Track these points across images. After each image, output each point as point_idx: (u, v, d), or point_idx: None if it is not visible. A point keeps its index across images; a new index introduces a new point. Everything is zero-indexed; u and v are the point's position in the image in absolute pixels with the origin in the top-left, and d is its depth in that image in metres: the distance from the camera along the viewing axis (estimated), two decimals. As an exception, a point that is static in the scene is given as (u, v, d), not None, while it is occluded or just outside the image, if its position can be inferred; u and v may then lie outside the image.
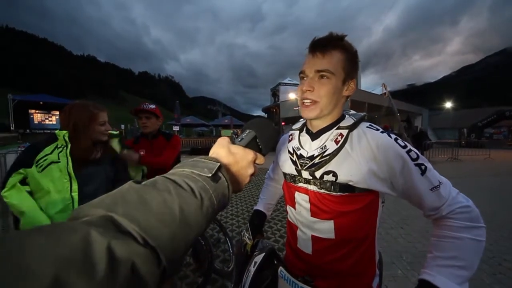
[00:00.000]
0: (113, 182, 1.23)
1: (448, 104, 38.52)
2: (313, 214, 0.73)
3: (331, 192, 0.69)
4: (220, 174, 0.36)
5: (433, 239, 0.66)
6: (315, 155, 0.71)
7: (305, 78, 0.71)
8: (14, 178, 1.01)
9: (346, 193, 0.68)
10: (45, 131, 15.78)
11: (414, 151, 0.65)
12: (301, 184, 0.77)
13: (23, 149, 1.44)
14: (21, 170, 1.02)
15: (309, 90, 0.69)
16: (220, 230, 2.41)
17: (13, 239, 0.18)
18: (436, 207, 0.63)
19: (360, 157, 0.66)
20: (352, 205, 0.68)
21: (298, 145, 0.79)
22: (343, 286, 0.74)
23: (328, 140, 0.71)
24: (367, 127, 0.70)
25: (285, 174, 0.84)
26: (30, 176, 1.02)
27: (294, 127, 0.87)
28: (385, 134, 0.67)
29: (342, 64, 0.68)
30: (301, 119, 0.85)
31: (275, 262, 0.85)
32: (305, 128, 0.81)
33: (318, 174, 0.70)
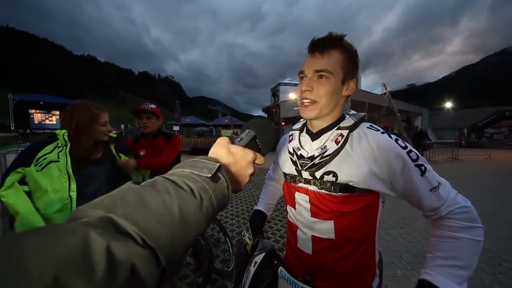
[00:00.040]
0: (114, 182, 1.24)
1: (448, 104, 38.52)
2: (313, 214, 0.73)
3: (331, 193, 0.69)
4: (220, 174, 0.36)
5: (433, 239, 0.66)
6: (315, 156, 0.71)
7: (304, 78, 0.71)
8: (12, 177, 1.00)
9: (346, 194, 0.68)
10: (45, 131, 15.79)
11: (414, 152, 0.65)
12: (301, 184, 0.77)
13: (23, 149, 1.44)
14: (19, 169, 1.01)
15: (308, 90, 0.69)
16: (220, 230, 2.41)
17: (13, 239, 0.18)
18: (435, 208, 0.64)
19: (360, 157, 0.66)
20: (352, 206, 0.68)
21: (298, 145, 0.78)
22: (343, 286, 0.74)
23: (328, 141, 0.71)
24: (368, 127, 0.70)
25: (285, 174, 0.84)
26: (29, 175, 1.01)
27: (294, 127, 0.87)
28: (385, 135, 0.67)
29: (341, 64, 0.68)
30: (301, 119, 0.85)
31: (275, 262, 0.85)
32: (305, 128, 0.81)
33: (318, 174, 0.70)
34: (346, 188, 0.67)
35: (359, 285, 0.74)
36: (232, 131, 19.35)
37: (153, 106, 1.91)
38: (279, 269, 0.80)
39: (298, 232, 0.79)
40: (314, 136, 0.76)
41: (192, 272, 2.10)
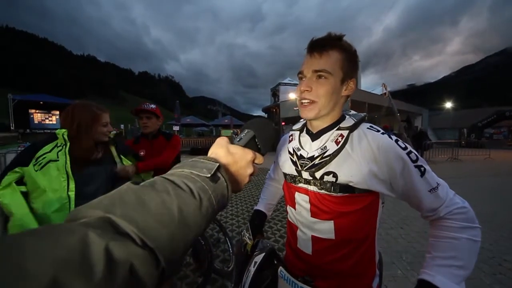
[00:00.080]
0: (113, 182, 1.23)
1: (448, 104, 38.52)
2: (313, 214, 0.73)
3: (331, 193, 0.69)
4: (219, 174, 0.35)
5: (431, 239, 0.66)
6: (315, 156, 0.71)
7: (304, 79, 0.71)
8: (9, 177, 0.99)
9: (346, 194, 0.68)
10: (45, 131, 15.78)
11: (414, 153, 0.65)
12: (301, 185, 0.77)
13: (23, 148, 1.44)
14: (17, 169, 1.00)
15: (307, 90, 0.69)
16: (220, 230, 2.41)
17: (12, 240, 0.18)
18: (434, 208, 0.64)
19: (360, 158, 0.66)
20: (352, 206, 0.68)
21: (298, 145, 0.78)
22: (343, 286, 0.73)
23: (328, 141, 0.71)
24: (368, 128, 0.70)
25: (285, 175, 0.84)
26: (27, 175, 1.01)
27: (294, 127, 0.87)
28: (385, 136, 0.67)
29: (341, 63, 0.68)
30: (301, 120, 0.85)
31: (275, 262, 0.85)
32: (305, 129, 0.81)
33: (318, 174, 0.70)
34: (346, 188, 0.67)
35: (359, 285, 0.74)
36: (232, 131, 19.35)
37: (153, 106, 1.91)
38: (279, 269, 0.80)
39: (298, 232, 0.79)
40: (314, 137, 0.75)
41: (192, 272, 2.10)
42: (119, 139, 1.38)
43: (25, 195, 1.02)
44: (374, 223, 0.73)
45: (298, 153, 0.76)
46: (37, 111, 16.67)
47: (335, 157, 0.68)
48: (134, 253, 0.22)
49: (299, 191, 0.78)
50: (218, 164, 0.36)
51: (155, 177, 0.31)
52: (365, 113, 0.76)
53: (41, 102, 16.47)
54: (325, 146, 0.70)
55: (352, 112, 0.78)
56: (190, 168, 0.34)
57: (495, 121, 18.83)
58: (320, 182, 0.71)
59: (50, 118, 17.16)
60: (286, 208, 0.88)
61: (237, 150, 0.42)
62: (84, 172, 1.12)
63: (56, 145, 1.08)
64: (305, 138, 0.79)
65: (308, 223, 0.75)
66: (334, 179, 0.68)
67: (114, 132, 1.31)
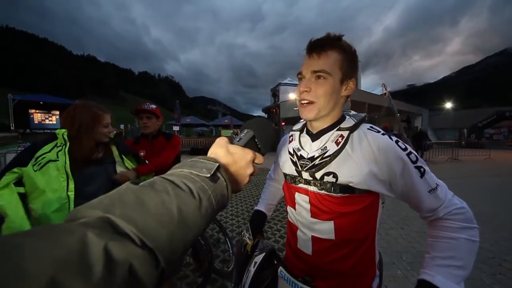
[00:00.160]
0: (114, 181, 1.23)
1: (448, 105, 38.52)
2: (313, 214, 0.73)
3: (331, 193, 0.69)
4: (219, 174, 0.35)
5: (430, 239, 0.66)
6: (315, 156, 0.71)
7: (303, 79, 0.71)
8: (7, 178, 0.99)
9: (346, 194, 0.68)
10: (45, 131, 15.77)
11: (414, 154, 0.65)
12: (301, 185, 0.77)
13: (23, 148, 1.44)
14: (15, 169, 1.00)
15: (306, 91, 0.69)
16: (220, 230, 2.41)
17: (11, 240, 0.18)
18: (433, 209, 0.64)
19: (361, 158, 0.66)
20: (352, 206, 0.68)
21: (299, 146, 0.78)
22: (343, 287, 0.73)
23: (328, 141, 0.71)
24: (368, 129, 0.70)
25: (285, 175, 0.84)
26: (26, 175, 1.00)
27: (294, 128, 0.87)
28: (386, 136, 0.67)
29: (340, 64, 0.68)
30: (301, 120, 0.85)
31: (275, 262, 0.85)
32: (305, 129, 0.81)
33: (318, 175, 0.70)
34: (346, 189, 0.67)
35: (359, 286, 0.74)
36: (232, 131, 19.35)
37: (153, 106, 1.91)
38: (279, 269, 0.80)
39: (298, 233, 0.79)
40: (314, 137, 0.75)
41: (191, 272, 2.10)
42: (119, 139, 1.38)
43: (23, 197, 1.01)
44: (374, 223, 0.73)
45: (298, 154, 0.76)
46: (37, 111, 16.67)
47: (335, 158, 0.68)
48: (133, 253, 0.22)
49: (299, 192, 0.78)
50: (217, 164, 0.36)
51: (155, 177, 0.31)
52: (365, 114, 0.76)
53: (41, 102, 16.46)
54: (325, 147, 0.70)
55: (352, 112, 0.78)
56: (189, 168, 0.34)
57: (495, 121, 18.84)
58: (320, 183, 0.70)
59: (50, 118, 17.15)
60: (286, 208, 0.87)
61: (236, 150, 0.41)
62: (84, 172, 1.12)
63: (55, 145, 1.08)
64: (305, 138, 0.79)
65: (308, 224, 0.75)
66: (334, 180, 0.68)
67: (115, 132, 1.31)
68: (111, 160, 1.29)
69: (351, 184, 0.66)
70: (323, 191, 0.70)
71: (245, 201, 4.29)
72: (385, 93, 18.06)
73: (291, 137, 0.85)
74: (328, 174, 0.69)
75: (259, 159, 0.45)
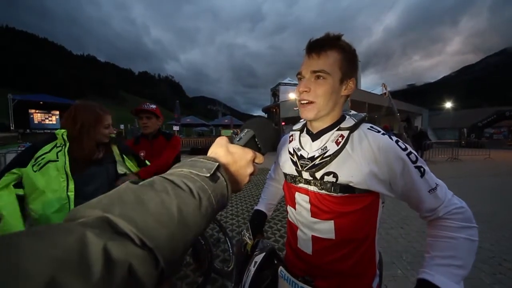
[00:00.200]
0: (114, 182, 1.23)
1: (448, 104, 38.54)
2: (313, 214, 0.73)
3: (332, 193, 0.69)
4: (219, 174, 0.35)
5: (430, 239, 0.67)
6: (315, 156, 0.71)
7: (302, 79, 0.71)
8: (7, 178, 0.98)
9: (347, 194, 0.68)
10: (45, 131, 15.76)
11: (414, 154, 0.65)
12: (301, 185, 0.77)
13: (23, 149, 1.43)
14: (14, 170, 0.99)
15: (305, 91, 0.69)
16: (220, 230, 2.41)
17: (8, 239, 0.18)
18: (433, 209, 0.65)
19: (361, 158, 0.66)
20: (353, 206, 0.68)
21: (299, 145, 0.78)
22: (343, 286, 0.73)
23: (328, 141, 0.71)
24: (368, 128, 0.70)
25: (285, 175, 0.84)
26: (25, 176, 1.00)
27: (294, 127, 0.87)
28: (386, 136, 0.67)
29: (339, 63, 0.68)
30: (302, 120, 0.85)
31: (275, 262, 0.85)
32: (305, 129, 0.81)
33: (318, 175, 0.70)
34: (346, 188, 0.67)
35: (359, 285, 0.74)
36: (232, 131, 19.35)
37: (153, 106, 1.91)
38: (279, 269, 0.80)
39: (298, 232, 0.79)
40: (314, 137, 0.75)
41: (192, 272, 2.10)
42: (119, 139, 1.38)
43: (20, 199, 1.00)
44: (374, 223, 0.73)
45: (299, 153, 0.76)
46: (37, 111, 16.66)
47: (335, 158, 0.68)
48: (133, 253, 0.22)
49: (299, 191, 0.78)
50: (217, 163, 0.36)
51: (154, 177, 0.31)
52: (365, 113, 0.76)
53: (41, 102, 16.45)
54: (326, 147, 0.70)
55: (352, 112, 0.78)
56: (189, 167, 0.34)
57: (495, 121, 18.83)
58: (321, 182, 0.70)
59: (50, 118, 17.14)
60: (286, 208, 0.87)
61: (236, 149, 0.41)
62: (85, 172, 1.12)
63: (55, 146, 1.08)
64: (306, 138, 0.79)
65: (308, 223, 0.75)
66: (334, 180, 0.68)
67: (115, 133, 1.31)
68: (111, 160, 1.29)
69: (351, 184, 0.66)
70: (323, 191, 0.70)
71: (245, 201, 4.29)
72: (385, 93, 18.05)
73: (291, 137, 0.85)
74: (328, 174, 0.69)
75: (259, 158, 0.44)
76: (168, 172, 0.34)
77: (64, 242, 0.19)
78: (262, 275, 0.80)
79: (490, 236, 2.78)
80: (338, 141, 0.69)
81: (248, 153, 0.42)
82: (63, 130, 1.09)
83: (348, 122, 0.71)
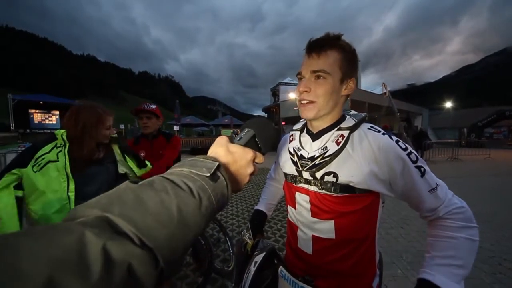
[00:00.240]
0: (114, 181, 1.23)
1: (448, 104, 38.55)
2: (314, 214, 0.73)
3: (332, 193, 0.69)
4: (219, 174, 0.35)
5: (430, 239, 0.67)
6: (315, 156, 0.71)
7: (302, 79, 0.71)
8: (7, 179, 0.98)
9: (347, 194, 0.68)
10: (45, 131, 15.74)
11: (414, 154, 0.65)
12: (301, 185, 0.77)
13: (23, 149, 1.43)
14: (14, 171, 0.99)
15: (305, 91, 0.69)
16: (220, 230, 2.41)
17: (6, 239, 0.18)
18: (433, 208, 0.64)
19: (361, 158, 0.66)
20: (353, 206, 0.68)
21: (299, 145, 0.78)
22: (343, 286, 0.73)
23: (329, 141, 0.71)
24: (369, 128, 0.70)
25: (286, 175, 0.84)
26: (25, 176, 0.99)
27: (294, 127, 0.87)
28: (386, 136, 0.67)
29: (339, 63, 0.67)
30: (302, 120, 0.85)
31: (276, 261, 0.85)
32: (305, 129, 0.81)
33: (318, 175, 0.70)
34: (347, 188, 0.67)
35: (359, 285, 0.74)
36: (232, 131, 19.34)
37: (153, 106, 1.91)
38: (279, 269, 0.80)
39: (299, 232, 0.79)
40: (314, 137, 0.75)
41: (192, 271, 2.09)
42: (120, 139, 1.38)
43: (20, 201, 1.00)
44: (374, 223, 0.73)
45: (299, 153, 0.76)
46: (37, 111, 16.63)
47: (335, 157, 0.68)
48: (132, 253, 0.21)
49: (299, 191, 0.77)
50: (217, 163, 0.36)
51: (154, 176, 0.31)
52: (365, 113, 0.75)
53: (41, 102, 16.43)
54: (326, 146, 0.70)
55: (353, 112, 0.78)
56: (189, 167, 0.34)
57: (495, 120, 18.83)
58: (321, 182, 0.70)
59: (50, 118, 17.12)
60: (286, 207, 0.87)
61: (237, 149, 0.41)
62: (85, 172, 1.12)
63: (55, 146, 1.08)
64: (306, 138, 0.79)
65: (309, 223, 0.75)
66: (334, 179, 0.68)
67: (115, 133, 1.31)
68: (112, 159, 1.28)
69: (351, 184, 0.66)
70: (323, 191, 0.70)
71: (245, 201, 4.29)
72: (385, 93, 18.05)
73: (291, 137, 0.85)
74: (328, 173, 0.68)
75: (260, 158, 0.44)
76: (168, 171, 0.34)
77: (63, 241, 0.18)
78: (262, 275, 0.80)
79: (490, 236, 2.78)
80: (339, 141, 0.69)
81: (249, 153, 0.42)
82: (62, 131, 1.09)
83: (348, 122, 0.71)
